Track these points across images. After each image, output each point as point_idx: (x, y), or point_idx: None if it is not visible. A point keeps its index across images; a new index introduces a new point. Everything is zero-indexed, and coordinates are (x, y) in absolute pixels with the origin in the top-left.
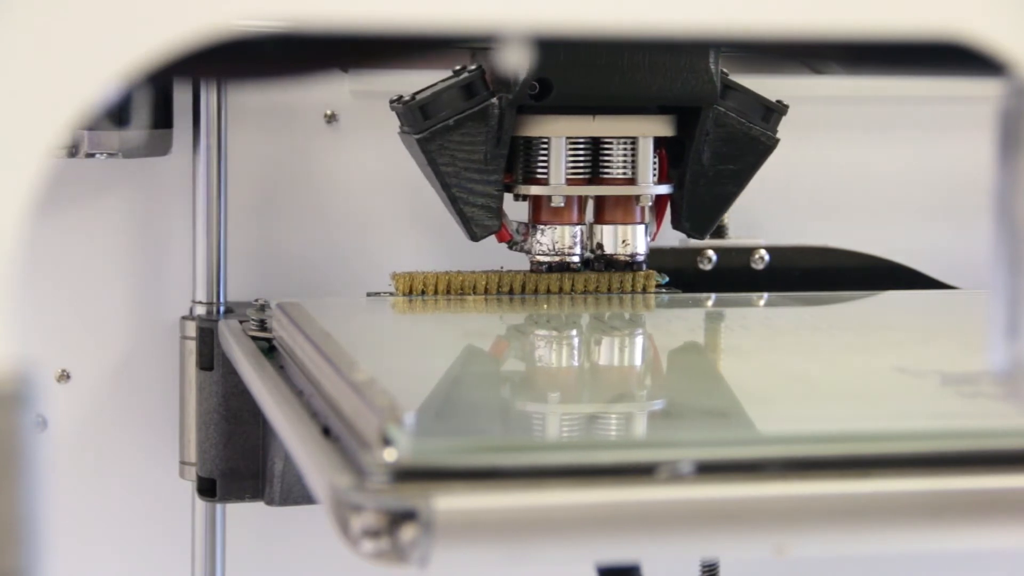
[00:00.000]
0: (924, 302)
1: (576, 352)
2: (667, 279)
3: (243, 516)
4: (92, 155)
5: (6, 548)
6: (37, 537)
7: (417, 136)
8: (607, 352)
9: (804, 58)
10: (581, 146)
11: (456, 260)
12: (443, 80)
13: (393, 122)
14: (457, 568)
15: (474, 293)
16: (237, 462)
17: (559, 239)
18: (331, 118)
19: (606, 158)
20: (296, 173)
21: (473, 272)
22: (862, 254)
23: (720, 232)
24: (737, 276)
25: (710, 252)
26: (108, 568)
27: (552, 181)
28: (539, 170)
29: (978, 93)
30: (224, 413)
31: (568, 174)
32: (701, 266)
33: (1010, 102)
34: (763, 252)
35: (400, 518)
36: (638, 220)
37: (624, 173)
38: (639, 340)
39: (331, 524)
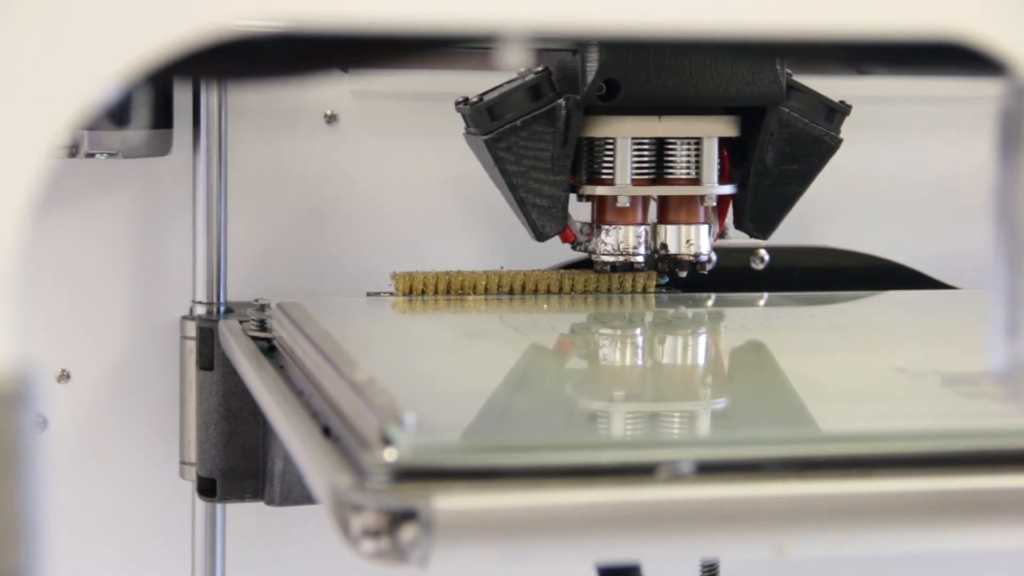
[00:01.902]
0: (924, 302)
1: (577, 352)
2: (667, 279)
3: (243, 516)
4: (92, 155)
5: (6, 548)
6: (37, 537)
7: (484, 137)
8: (608, 352)
9: (804, 58)
10: (646, 146)
11: (456, 260)
12: (509, 81)
13: (393, 123)
14: (457, 568)
15: (474, 293)
16: (237, 462)
17: (623, 239)
18: (331, 118)
19: (670, 158)
20: (296, 173)
21: (473, 272)
22: (862, 254)
23: (721, 232)
24: (737, 276)
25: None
26: (108, 568)
27: (618, 181)
28: (604, 170)
29: (978, 93)
30: (224, 413)
31: (633, 174)
32: None
33: (1010, 102)
34: (763, 252)
35: (400, 518)
36: (702, 220)
37: (688, 173)
38: (638, 340)
39: (331, 524)
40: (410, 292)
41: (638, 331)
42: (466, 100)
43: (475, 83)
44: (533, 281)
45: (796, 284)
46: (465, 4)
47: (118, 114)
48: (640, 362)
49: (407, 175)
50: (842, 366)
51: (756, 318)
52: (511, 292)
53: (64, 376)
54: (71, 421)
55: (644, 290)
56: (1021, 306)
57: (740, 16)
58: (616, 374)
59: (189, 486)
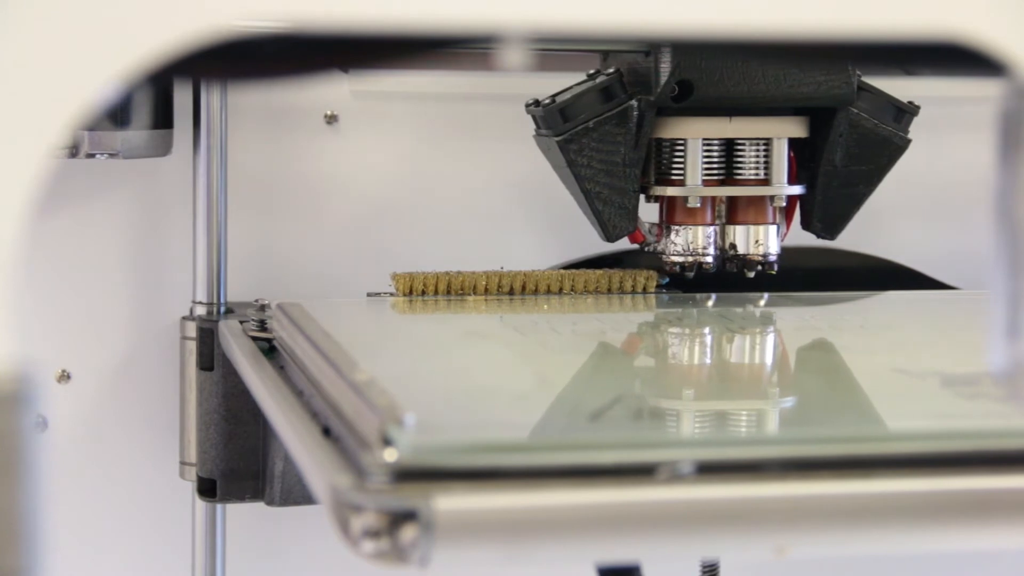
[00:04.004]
0: (924, 302)
1: (577, 352)
2: (667, 279)
3: (243, 516)
4: (92, 155)
5: (6, 548)
6: (37, 537)
7: (557, 139)
8: (608, 352)
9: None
10: (715, 147)
11: (456, 260)
12: (579, 83)
13: (393, 123)
14: (457, 568)
15: (474, 293)
16: (237, 462)
17: (693, 240)
18: (331, 118)
19: (739, 159)
20: (296, 173)
21: (473, 272)
22: (862, 254)
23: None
24: (737, 276)
25: None
26: (108, 568)
27: (688, 182)
28: (674, 171)
29: (978, 93)
30: (224, 413)
31: (702, 175)
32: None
33: (1010, 102)
34: None
35: (400, 518)
36: (770, 220)
37: (757, 174)
38: (638, 341)
39: (331, 524)
40: (410, 292)
41: (638, 332)
42: (537, 102)
43: (475, 83)
44: (533, 281)
45: (796, 284)
46: (465, 4)
47: (118, 114)
48: (640, 363)
49: (407, 175)
50: (842, 366)
51: (756, 319)
52: (511, 292)
53: (64, 376)
54: (71, 421)
55: (644, 290)
56: (1021, 306)
57: (740, 16)
58: (616, 374)
59: (189, 486)
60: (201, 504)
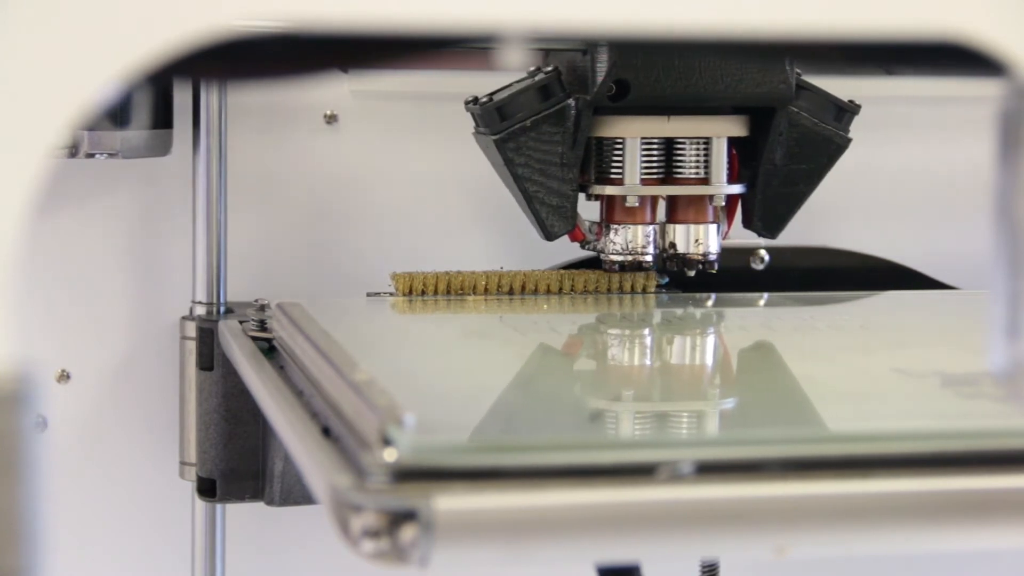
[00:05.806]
0: (924, 302)
1: (578, 352)
2: (667, 279)
3: (243, 516)
4: (92, 155)
5: (6, 548)
6: (37, 537)
7: (494, 137)
8: (609, 353)
9: (804, 58)
10: (655, 146)
11: (456, 260)
12: (518, 81)
13: (393, 123)
14: (457, 568)
15: (474, 293)
16: (237, 462)
17: (632, 239)
18: (331, 118)
19: (679, 158)
20: (296, 173)
21: (473, 272)
22: (862, 254)
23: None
24: (737, 276)
25: None
26: (108, 568)
27: (627, 181)
28: (613, 170)
29: (978, 93)
30: (224, 413)
31: (642, 174)
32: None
33: (1010, 102)
34: (763, 252)
35: (400, 518)
36: (711, 220)
37: (697, 173)
38: (639, 341)
39: (331, 524)
40: (410, 292)
41: (638, 332)
42: (475, 100)
43: (476, 83)
44: (533, 281)
45: (796, 284)
46: (465, 4)
47: (118, 114)
48: (641, 363)
49: (407, 175)
50: (842, 366)
51: (756, 319)
52: (511, 292)
53: (64, 376)
54: (71, 421)
55: (644, 290)
56: (1021, 306)
57: (740, 16)
58: (616, 375)
59: (189, 486)
60: (201, 504)
